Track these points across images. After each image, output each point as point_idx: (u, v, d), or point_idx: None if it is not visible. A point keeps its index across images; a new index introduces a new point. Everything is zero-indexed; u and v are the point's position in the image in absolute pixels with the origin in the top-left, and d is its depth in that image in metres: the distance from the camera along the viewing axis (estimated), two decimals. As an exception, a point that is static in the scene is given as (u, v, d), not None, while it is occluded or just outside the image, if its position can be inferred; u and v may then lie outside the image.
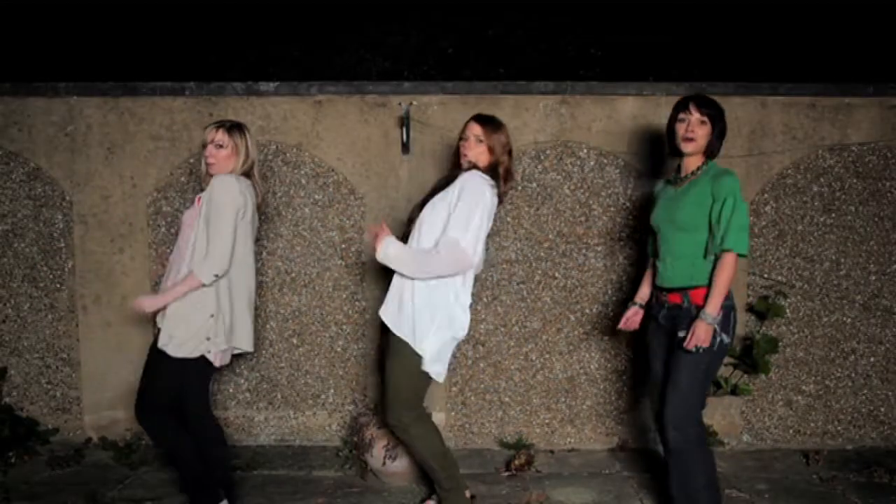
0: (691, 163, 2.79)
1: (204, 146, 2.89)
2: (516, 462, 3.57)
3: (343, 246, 3.85)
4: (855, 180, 3.82)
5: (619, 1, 5.31)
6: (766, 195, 3.82)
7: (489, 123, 2.84)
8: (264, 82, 3.82)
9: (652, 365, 2.95)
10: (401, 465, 3.30)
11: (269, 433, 3.92)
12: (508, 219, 3.82)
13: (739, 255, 2.63)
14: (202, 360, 2.79)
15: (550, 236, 3.83)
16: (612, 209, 3.81)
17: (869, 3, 5.09)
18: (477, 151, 2.81)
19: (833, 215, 3.83)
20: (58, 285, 3.86)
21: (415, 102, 3.76)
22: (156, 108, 3.79)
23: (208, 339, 2.76)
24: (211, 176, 2.87)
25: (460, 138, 2.88)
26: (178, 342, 2.74)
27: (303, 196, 3.84)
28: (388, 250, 2.73)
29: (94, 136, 3.81)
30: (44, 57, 4.97)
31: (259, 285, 3.83)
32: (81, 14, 5.09)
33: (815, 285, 3.85)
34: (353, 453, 3.53)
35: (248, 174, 2.91)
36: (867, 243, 3.84)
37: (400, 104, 3.76)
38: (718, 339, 2.64)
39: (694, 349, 2.62)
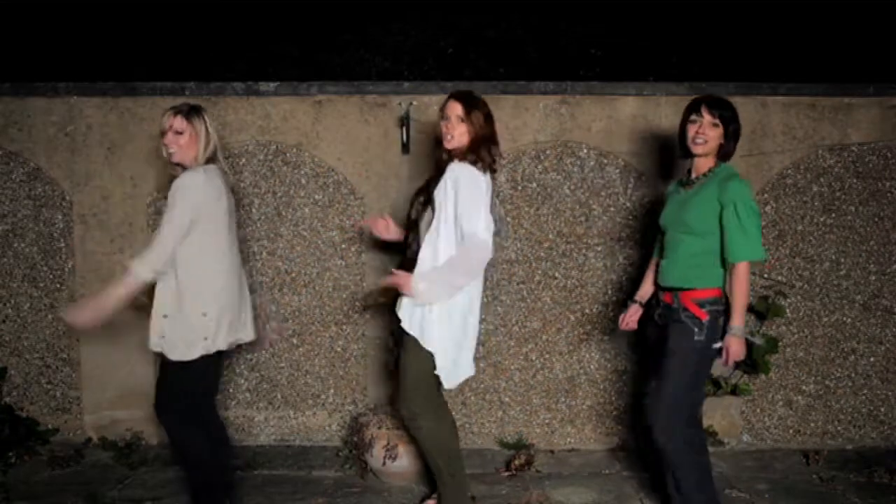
0: (702, 164, 2.78)
1: (162, 133, 2.75)
2: (516, 462, 3.57)
3: (343, 246, 3.85)
4: (855, 180, 3.82)
5: (619, 1, 5.31)
6: (766, 195, 3.82)
7: (468, 100, 2.78)
8: (264, 82, 3.82)
9: (651, 362, 2.96)
10: (401, 465, 3.30)
11: (269, 433, 3.92)
12: (508, 219, 3.82)
13: (755, 261, 2.62)
14: (203, 361, 2.74)
15: (550, 236, 3.83)
16: (612, 209, 3.81)
17: (869, 3, 5.09)
18: (460, 130, 2.76)
19: (833, 215, 3.83)
20: (58, 285, 3.85)
21: (415, 102, 3.76)
22: (156, 108, 3.79)
23: (206, 339, 2.72)
24: (176, 165, 2.76)
25: (441, 118, 2.82)
26: (172, 344, 2.70)
27: (303, 196, 3.84)
28: (419, 287, 2.67)
29: (94, 136, 3.81)
30: (44, 57, 4.97)
31: (259, 285, 3.84)
32: (81, 14, 5.09)
33: (815, 285, 3.85)
34: (353, 453, 3.53)
35: (212, 159, 2.80)
36: (867, 243, 3.84)
37: (400, 104, 3.76)
38: (699, 340, 2.64)
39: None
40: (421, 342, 2.72)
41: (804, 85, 3.82)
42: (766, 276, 3.81)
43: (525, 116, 3.80)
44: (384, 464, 3.30)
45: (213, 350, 2.75)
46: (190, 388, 2.79)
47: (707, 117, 2.74)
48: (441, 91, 3.77)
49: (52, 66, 4.73)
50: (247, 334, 2.91)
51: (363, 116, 3.80)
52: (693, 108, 2.78)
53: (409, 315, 2.75)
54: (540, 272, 3.84)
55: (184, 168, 2.76)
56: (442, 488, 2.88)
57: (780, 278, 3.83)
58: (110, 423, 3.88)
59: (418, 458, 3.26)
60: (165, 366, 2.78)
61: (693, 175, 2.81)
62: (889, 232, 3.84)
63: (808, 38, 5.10)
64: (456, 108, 2.76)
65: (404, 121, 3.72)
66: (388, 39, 5.31)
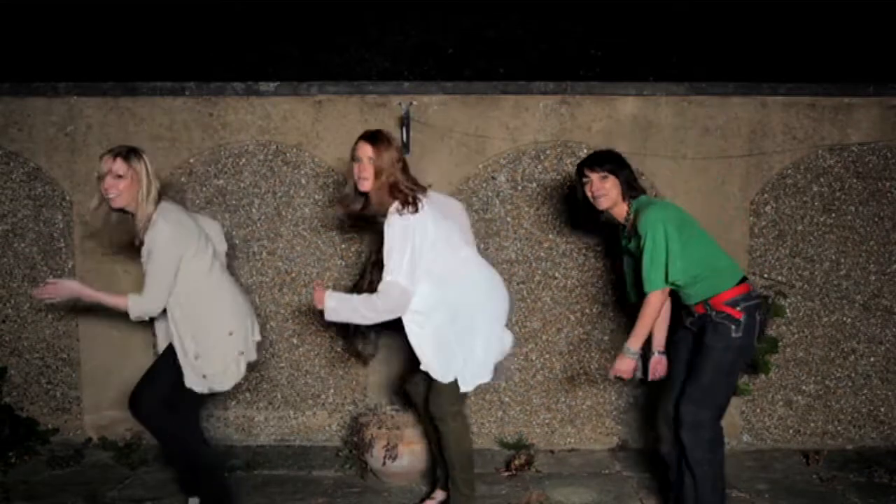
0: (619, 212, 2.87)
1: (100, 178, 2.66)
2: (516, 462, 3.57)
3: (343, 246, 3.85)
4: (855, 180, 3.82)
5: (620, 1, 5.31)
6: (766, 195, 3.82)
7: (377, 141, 2.75)
8: (264, 82, 3.82)
9: (674, 367, 2.96)
10: (401, 465, 3.30)
11: (269, 433, 3.92)
12: (508, 219, 3.82)
13: (665, 285, 2.70)
14: None
15: (550, 236, 3.83)
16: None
17: (869, 3, 5.09)
18: (369, 172, 2.74)
19: (833, 215, 3.83)
20: (58, 285, 3.85)
21: (415, 102, 3.76)
22: (156, 108, 3.79)
23: (241, 353, 2.81)
24: (117, 210, 2.70)
25: (352, 158, 2.81)
26: (217, 378, 2.76)
27: (303, 196, 3.84)
28: (328, 304, 2.73)
29: (94, 136, 3.81)
30: (44, 57, 4.97)
31: (259, 285, 3.84)
32: (81, 14, 5.09)
33: (815, 285, 3.85)
34: (353, 453, 3.53)
35: (160, 197, 2.75)
36: (867, 243, 3.84)
37: (400, 104, 3.76)
38: (737, 337, 2.67)
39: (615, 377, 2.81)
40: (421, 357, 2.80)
41: (804, 85, 3.82)
42: (766, 276, 3.81)
43: (525, 116, 3.80)
44: (384, 464, 3.30)
45: (252, 359, 2.87)
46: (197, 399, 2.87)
47: (593, 175, 2.83)
48: (441, 91, 3.78)
49: (52, 66, 4.72)
50: (256, 334, 2.99)
51: (363, 116, 3.80)
52: (579, 172, 2.90)
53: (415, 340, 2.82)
54: (540, 272, 3.84)
55: (124, 212, 2.71)
56: (454, 492, 2.92)
57: (780, 278, 3.83)
58: (110, 423, 3.88)
59: (418, 458, 3.26)
60: (163, 372, 2.79)
61: (621, 224, 2.89)
62: (889, 232, 3.84)
63: (808, 38, 5.10)
64: (367, 150, 2.74)
65: (404, 121, 3.72)
66: (387, 39, 5.30)
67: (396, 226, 2.69)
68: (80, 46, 4.98)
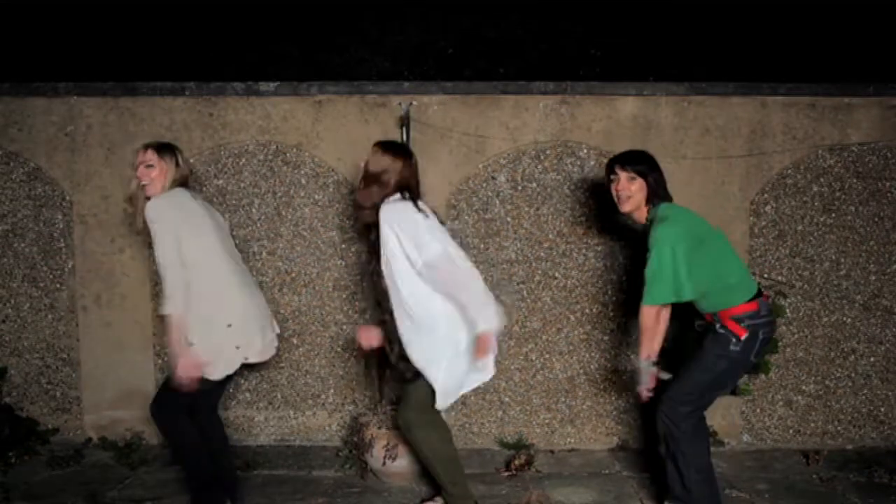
0: (639, 216, 2.87)
1: (135, 167, 2.90)
2: (516, 462, 3.57)
3: (343, 246, 3.85)
4: (855, 180, 3.82)
5: (620, 1, 5.31)
6: (766, 195, 3.82)
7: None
8: (264, 82, 3.82)
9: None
10: (401, 465, 3.30)
11: (269, 433, 3.92)
12: (508, 219, 3.82)
13: (660, 302, 2.73)
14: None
15: (550, 236, 3.83)
16: (612, 209, 3.80)
17: (869, 3, 5.09)
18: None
19: (833, 215, 3.83)
20: (58, 285, 3.85)
21: (415, 102, 3.76)
22: (156, 108, 3.79)
23: (238, 347, 2.81)
24: (148, 198, 2.86)
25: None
26: (206, 368, 2.77)
27: (303, 196, 3.84)
28: (492, 324, 2.69)
29: (94, 136, 3.81)
30: (44, 57, 4.97)
31: (259, 285, 3.83)
32: (81, 14, 5.09)
33: (815, 285, 3.85)
34: (353, 453, 3.53)
35: (184, 185, 2.92)
36: (867, 243, 3.84)
37: (400, 104, 3.76)
38: (734, 350, 2.70)
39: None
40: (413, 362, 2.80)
41: (804, 85, 3.82)
42: (766, 276, 3.81)
43: (525, 116, 3.80)
44: (384, 464, 3.30)
45: (251, 359, 2.86)
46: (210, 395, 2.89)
47: (623, 174, 2.82)
48: (441, 91, 3.78)
49: (52, 66, 4.73)
50: (275, 328, 3.06)
51: (363, 116, 3.80)
52: (609, 168, 2.89)
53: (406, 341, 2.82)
54: (540, 272, 3.84)
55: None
56: (448, 498, 2.93)
57: (780, 278, 3.83)
58: (110, 423, 3.88)
59: (418, 458, 3.26)
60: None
61: (639, 225, 2.92)
62: (889, 232, 3.84)
63: (808, 38, 5.10)
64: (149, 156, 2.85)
65: (404, 121, 3.72)
66: (387, 39, 5.31)
67: (394, 213, 2.74)
68: (80, 46, 4.98)
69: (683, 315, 3.00)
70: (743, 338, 2.70)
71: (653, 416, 2.95)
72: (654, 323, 2.76)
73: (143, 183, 2.86)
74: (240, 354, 2.83)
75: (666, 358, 2.90)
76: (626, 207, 2.83)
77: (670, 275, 2.66)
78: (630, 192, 2.80)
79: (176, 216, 2.75)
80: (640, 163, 2.82)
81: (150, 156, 2.86)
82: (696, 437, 2.81)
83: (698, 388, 2.78)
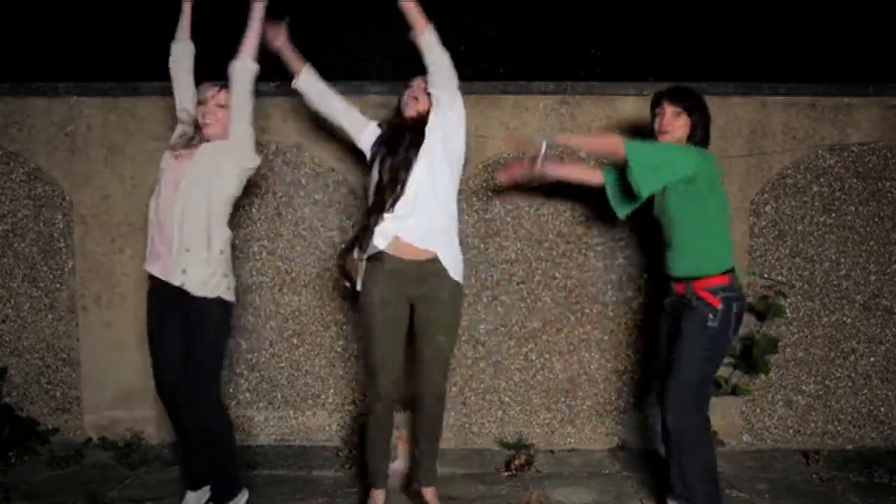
0: None
1: (200, 103, 2.91)
2: (516, 462, 3.57)
3: (343, 246, 3.84)
4: (855, 180, 3.82)
5: (620, 1, 5.32)
6: (766, 195, 3.82)
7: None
8: (264, 82, 3.81)
9: (658, 350, 3.02)
10: (400, 465, 3.30)
11: (269, 433, 3.92)
12: (508, 219, 3.82)
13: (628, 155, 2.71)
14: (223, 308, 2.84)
15: (550, 236, 3.83)
16: (612, 209, 3.80)
17: (869, 3, 5.09)
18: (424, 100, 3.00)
19: (833, 215, 3.83)
20: (58, 285, 3.85)
21: (415, 102, 3.75)
22: (156, 108, 3.79)
23: (225, 276, 2.84)
24: (205, 140, 2.88)
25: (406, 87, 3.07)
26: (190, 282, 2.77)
27: (303, 196, 3.83)
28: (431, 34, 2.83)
29: (94, 136, 3.81)
30: (44, 57, 4.97)
31: (259, 285, 3.84)
32: (81, 14, 5.09)
33: (815, 285, 3.85)
34: (353, 453, 3.53)
35: None
36: (867, 243, 3.84)
37: (400, 104, 3.75)
38: (712, 326, 2.69)
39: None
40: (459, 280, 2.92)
41: (804, 85, 3.82)
42: (766, 276, 3.81)
43: (525, 116, 3.80)
44: (384, 464, 3.29)
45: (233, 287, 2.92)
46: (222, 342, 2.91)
47: (669, 108, 2.77)
48: (441, 91, 3.77)
49: (52, 66, 4.73)
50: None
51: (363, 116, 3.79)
52: (655, 102, 2.83)
53: (453, 262, 2.90)
54: (540, 272, 3.84)
55: (206, 140, 2.88)
56: (432, 463, 3.09)
57: (780, 278, 3.83)
58: (110, 423, 3.87)
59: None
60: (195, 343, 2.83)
61: None
62: (889, 232, 3.84)
63: (808, 38, 5.11)
64: (420, 83, 3.00)
65: (404, 121, 3.71)
66: (388, 39, 5.31)
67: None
68: (80, 46, 4.98)
69: (655, 306, 3.00)
70: (718, 309, 2.68)
71: (654, 416, 2.96)
72: (604, 140, 2.88)
73: (207, 122, 2.87)
74: (226, 282, 2.90)
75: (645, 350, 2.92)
76: (665, 141, 2.78)
77: (664, 161, 2.66)
78: (672, 128, 2.75)
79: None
80: (689, 99, 2.77)
81: (224, 96, 2.90)
82: (702, 434, 2.80)
83: (695, 370, 2.74)
